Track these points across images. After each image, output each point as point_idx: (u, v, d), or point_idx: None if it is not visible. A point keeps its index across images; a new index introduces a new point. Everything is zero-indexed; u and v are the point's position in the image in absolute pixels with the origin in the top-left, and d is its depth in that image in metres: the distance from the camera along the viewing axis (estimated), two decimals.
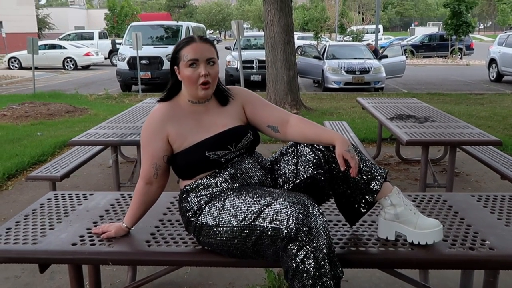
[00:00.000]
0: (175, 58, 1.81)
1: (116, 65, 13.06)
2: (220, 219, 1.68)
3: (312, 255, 1.51)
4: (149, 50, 12.06)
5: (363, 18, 44.17)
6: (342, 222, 1.96)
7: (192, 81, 1.76)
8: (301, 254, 1.51)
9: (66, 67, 20.83)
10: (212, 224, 1.69)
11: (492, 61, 14.64)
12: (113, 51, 20.79)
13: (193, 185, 1.79)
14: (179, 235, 1.86)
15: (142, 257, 1.72)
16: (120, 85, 12.61)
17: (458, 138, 3.49)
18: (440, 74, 17.00)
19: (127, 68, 12.10)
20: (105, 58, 22.75)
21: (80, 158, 4.09)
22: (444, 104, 9.39)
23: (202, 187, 1.77)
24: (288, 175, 1.80)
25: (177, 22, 14.15)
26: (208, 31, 26.93)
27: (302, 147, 1.79)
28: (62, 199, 2.24)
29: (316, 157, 1.76)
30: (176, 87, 1.86)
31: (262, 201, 1.64)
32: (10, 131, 6.91)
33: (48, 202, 2.20)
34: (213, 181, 1.77)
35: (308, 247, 1.51)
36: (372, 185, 1.74)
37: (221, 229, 1.67)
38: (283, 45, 8.07)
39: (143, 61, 11.69)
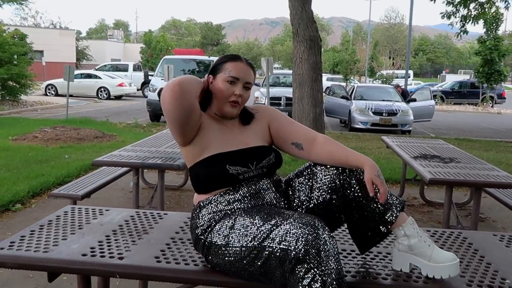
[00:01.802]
0: (215, 68, 1.84)
1: (147, 96, 13.42)
2: (229, 239, 1.66)
3: (320, 278, 1.46)
4: None
5: (393, 63, 44.38)
6: (355, 252, 1.91)
7: (224, 96, 1.79)
8: (309, 277, 1.46)
9: (100, 96, 21.50)
10: (221, 244, 1.67)
11: None
12: (146, 83, 21.38)
13: (206, 201, 1.78)
14: (188, 253, 1.84)
15: (149, 273, 1.70)
16: (149, 115, 12.89)
17: (484, 179, 3.40)
18: (470, 121, 16.76)
19: (158, 99, 12.28)
20: (138, 90, 23.41)
21: (102, 179, 4.16)
22: (473, 149, 9.20)
23: (215, 203, 1.76)
24: (302, 198, 1.78)
25: (209, 57, 14.52)
26: None
27: (318, 170, 1.78)
28: (79, 213, 2.26)
29: (332, 181, 1.74)
30: (207, 99, 1.85)
31: (272, 221, 1.61)
32: (39, 152, 7.10)
33: (64, 214, 2.23)
34: (226, 198, 1.76)
35: (316, 270, 1.47)
36: (388, 215, 1.71)
37: (230, 249, 1.65)
38: (311, 83, 8.14)
39: None
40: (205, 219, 1.75)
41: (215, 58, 14.32)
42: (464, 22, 11.54)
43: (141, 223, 2.14)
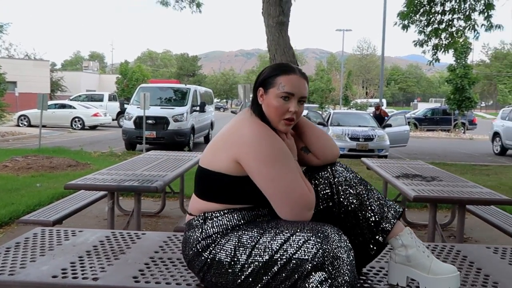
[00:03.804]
0: (267, 82, 1.67)
1: (122, 126, 13.25)
2: (236, 254, 1.52)
3: None
4: (156, 111, 12.23)
5: (366, 92, 45.31)
6: None
7: (278, 114, 1.64)
8: (324, 287, 1.38)
9: (74, 127, 21.11)
10: (227, 261, 1.52)
11: (496, 134, 14.72)
12: (121, 112, 21.17)
13: (215, 214, 1.61)
14: (170, 273, 1.70)
15: None
16: (125, 144, 12.67)
17: (468, 196, 3.36)
18: (444, 146, 17.05)
19: (133, 127, 12.21)
20: (113, 120, 23.12)
21: (76, 205, 3.97)
22: (450, 172, 9.28)
23: (227, 217, 1.60)
24: None
25: (186, 85, 14.48)
26: (215, 100, 27.53)
27: (316, 181, 1.69)
28: (49, 234, 2.10)
29: (325, 189, 1.65)
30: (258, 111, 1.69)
31: (285, 231, 1.50)
32: (9, 181, 6.81)
33: (34, 236, 2.07)
34: (244, 214, 1.61)
35: (331, 280, 1.39)
36: (384, 224, 1.62)
37: (236, 266, 1.51)
38: None
39: (149, 121, 11.82)
40: (208, 233, 1.59)
41: (191, 86, 14.29)
42: (435, 51, 11.86)
43: (117, 244, 2.00)
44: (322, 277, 1.39)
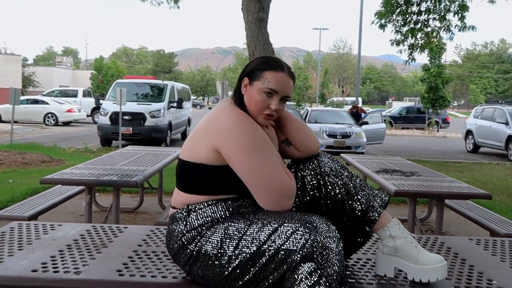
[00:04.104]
0: (253, 73, 1.64)
1: (97, 123, 12.98)
2: (223, 246, 1.49)
3: (325, 281, 1.36)
4: (132, 106, 12.05)
5: (343, 91, 45.73)
6: None
7: (258, 108, 1.61)
8: (313, 278, 1.37)
9: (47, 122, 20.63)
10: (213, 253, 1.50)
11: (469, 132, 15.05)
12: (96, 108, 20.82)
13: (199, 205, 1.57)
14: (155, 266, 1.66)
15: (112, 287, 1.51)
16: (100, 140, 12.44)
17: (447, 190, 3.41)
18: (418, 144, 17.35)
19: (109, 123, 12.00)
20: (88, 116, 22.69)
21: (52, 200, 3.86)
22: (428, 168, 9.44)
23: (211, 209, 1.57)
24: None
25: (163, 81, 14.31)
26: (192, 97, 27.34)
27: (302, 172, 1.67)
28: (27, 229, 2.02)
29: (312, 181, 1.64)
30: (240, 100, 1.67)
31: (272, 222, 1.49)
32: None
33: (10, 230, 1.99)
34: (230, 205, 1.58)
35: (321, 271, 1.37)
36: (370, 214, 1.61)
37: (223, 258, 1.48)
38: None
39: (126, 117, 11.63)
40: (193, 225, 1.55)
41: (168, 82, 14.13)
42: (411, 50, 12.07)
43: (98, 237, 1.94)
44: (311, 267, 1.38)
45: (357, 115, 15.02)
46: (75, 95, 25.15)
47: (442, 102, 22.79)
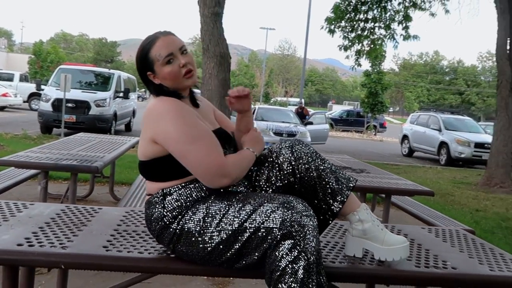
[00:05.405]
0: (146, 64, 1.73)
1: (35, 110, 12.37)
2: (205, 224, 1.57)
3: (304, 256, 1.47)
4: (77, 94, 11.64)
5: (286, 91, 46.53)
6: None
7: (176, 76, 1.70)
8: (294, 254, 1.47)
9: None
10: (196, 230, 1.57)
11: (405, 137, 15.90)
12: (35, 95, 19.87)
13: (173, 189, 1.65)
14: (139, 243, 1.71)
15: (101, 262, 1.55)
16: (40, 127, 11.91)
17: (395, 187, 3.67)
18: (358, 146, 18.08)
19: (51, 109, 11.52)
20: (24, 102, 21.55)
21: (1, 183, 3.72)
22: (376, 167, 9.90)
23: (184, 190, 1.64)
24: (262, 184, 1.76)
25: (109, 70, 13.92)
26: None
27: (277, 159, 1.78)
28: None
29: (290, 168, 1.75)
30: (160, 91, 1.74)
31: (252, 202, 1.59)
32: None
33: None
34: (201, 184, 1.66)
35: (300, 248, 1.48)
36: (339, 196, 1.74)
37: (205, 235, 1.56)
38: (219, 99, 8.18)
39: (69, 104, 11.22)
40: (173, 206, 1.63)
41: (114, 71, 13.77)
42: (358, 56, 12.60)
43: (75, 217, 1.95)
44: (290, 244, 1.49)
45: (302, 115, 15.42)
46: (11, 79, 23.76)
47: (381, 107, 23.88)
